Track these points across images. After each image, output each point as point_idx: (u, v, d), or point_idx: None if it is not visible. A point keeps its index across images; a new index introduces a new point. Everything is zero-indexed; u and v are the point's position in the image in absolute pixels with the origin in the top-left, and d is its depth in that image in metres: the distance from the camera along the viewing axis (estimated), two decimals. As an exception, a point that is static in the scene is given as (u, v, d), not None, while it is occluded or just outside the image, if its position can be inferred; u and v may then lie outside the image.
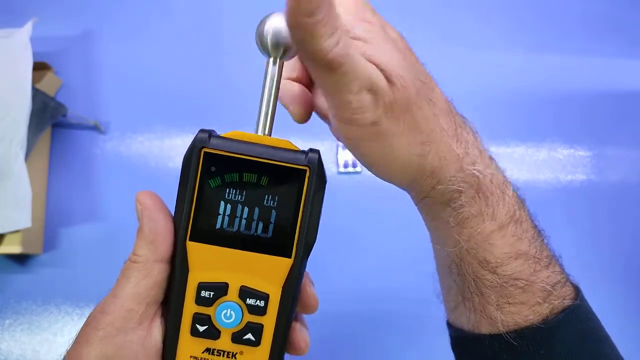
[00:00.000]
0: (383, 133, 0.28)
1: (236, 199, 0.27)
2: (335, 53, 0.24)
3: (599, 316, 0.63)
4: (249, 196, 0.27)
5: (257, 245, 0.27)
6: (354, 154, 0.31)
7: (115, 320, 0.26)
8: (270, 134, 0.28)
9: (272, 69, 0.28)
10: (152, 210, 0.27)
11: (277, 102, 0.29)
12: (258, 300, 0.28)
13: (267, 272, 0.28)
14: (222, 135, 0.27)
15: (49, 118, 0.71)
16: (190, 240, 0.27)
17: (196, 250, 0.27)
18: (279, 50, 0.27)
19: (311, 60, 0.25)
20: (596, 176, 0.73)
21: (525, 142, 0.75)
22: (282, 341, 0.29)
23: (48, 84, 0.76)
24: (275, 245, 0.27)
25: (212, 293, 0.28)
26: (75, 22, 0.83)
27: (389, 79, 0.27)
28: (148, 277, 0.27)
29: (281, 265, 0.28)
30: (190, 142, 0.27)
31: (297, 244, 0.27)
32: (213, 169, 0.27)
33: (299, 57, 0.30)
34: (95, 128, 0.76)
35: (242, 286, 0.28)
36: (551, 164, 0.74)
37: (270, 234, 0.27)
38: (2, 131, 0.63)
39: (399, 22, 0.81)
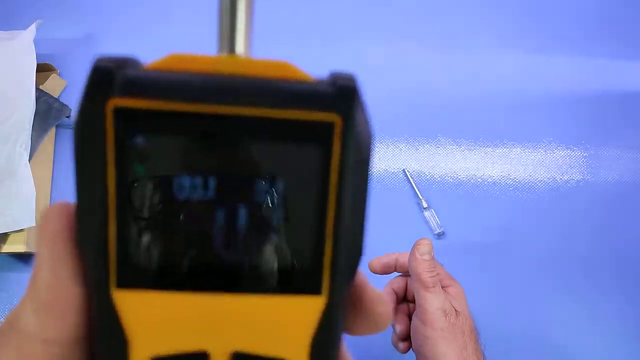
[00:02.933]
0: (443, 337, 0.46)
1: (199, 195, 0.14)
2: (431, 281, 0.48)
3: (590, 315, 0.64)
4: (224, 186, 0.14)
5: (253, 281, 0.15)
6: (417, 346, 0.48)
7: None
8: (248, 51, 0.15)
9: None
10: (60, 248, 0.15)
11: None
12: None
13: (279, 325, 0.15)
14: (150, 64, 0.14)
15: (53, 119, 0.71)
16: (119, 287, 0.14)
17: (135, 305, 0.14)
18: None
19: (417, 280, 0.48)
20: (592, 176, 0.73)
21: (522, 143, 0.75)
22: None
23: (52, 85, 0.76)
24: (288, 275, 0.15)
25: None
26: (79, 24, 0.84)
27: (457, 312, 0.48)
28: None
29: (306, 309, 0.15)
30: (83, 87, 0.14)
31: (331, 267, 0.15)
32: (139, 140, 0.13)
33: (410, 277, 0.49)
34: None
35: (235, 352, 0.15)
36: (547, 164, 0.74)
37: (275, 255, 0.15)
38: (6, 132, 0.64)
39: (395, 25, 0.81)
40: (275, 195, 0.14)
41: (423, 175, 0.74)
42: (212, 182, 0.14)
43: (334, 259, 0.14)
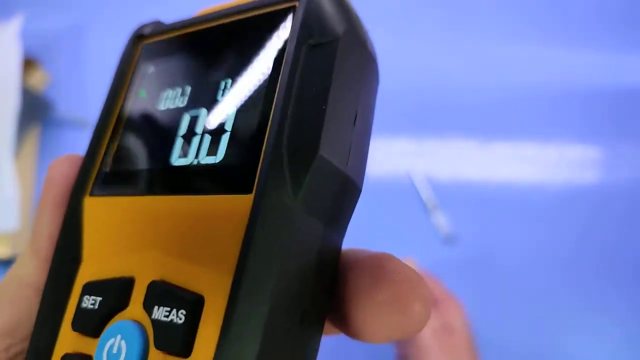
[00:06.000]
0: (432, 355, 0.46)
1: (175, 105, 0.15)
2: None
3: (609, 321, 0.63)
4: (195, 94, 0.14)
5: (190, 180, 0.14)
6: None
7: None
8: None
9: None
10: (53, 199, 0.15)
11: None
12: (174, 312, 0.12)
13: (204, 238, 0.12)
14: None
15: (37, 116, 0.70)
16: (91, 195, 0.14)
17: (96, 212, 0.14)
18: None
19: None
20: (610, 175, 0.72)
21: (536, 140, 0.73)
22: None
23: (36, 81, 0.75)
24: (224, 170, 0.13)
25: (101, 302, 0.13)
26: (64, 17, 0.82)
27: (451, 329, 0.47)
28: (13, 305, 0.16)
29: (231, 212, 0.12)
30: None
31: (263, 162, 0.12)
32: (151, 69, 0.16)
33: None
34: (84, 125, 0.75)
35: (152, 282, 0.13)
36: (562, 162, 0.72)
37: (221, 155, 0.13)
38: (-12, 129, 0.62)
39: (401, 16, 0.78)
40: (233, 94, 0.13)
41: (429, 175, 0.71)
42: (187, 91, 0.15)
43: (273, 149, 0.12)
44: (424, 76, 0.76)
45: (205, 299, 0.11)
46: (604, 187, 0.71)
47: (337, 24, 0.13)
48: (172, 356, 0.11)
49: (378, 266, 0.13)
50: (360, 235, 0.67)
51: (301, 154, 0.12)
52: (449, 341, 0.47)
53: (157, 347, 0.12)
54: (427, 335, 0.47)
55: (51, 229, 0.15)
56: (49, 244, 0.15)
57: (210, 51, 0.15)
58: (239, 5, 0.15)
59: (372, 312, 0.13)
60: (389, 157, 0.72)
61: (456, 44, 0.78)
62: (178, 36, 0.16)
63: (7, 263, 0.68)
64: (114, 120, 0.16)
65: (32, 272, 0.15)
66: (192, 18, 0.16)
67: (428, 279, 0.53)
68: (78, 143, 0.73)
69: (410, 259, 0.51)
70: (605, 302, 0.66)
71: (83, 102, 0.76)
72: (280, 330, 0.11)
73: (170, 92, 0.15)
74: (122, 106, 0.16)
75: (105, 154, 0.15)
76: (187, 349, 0.11)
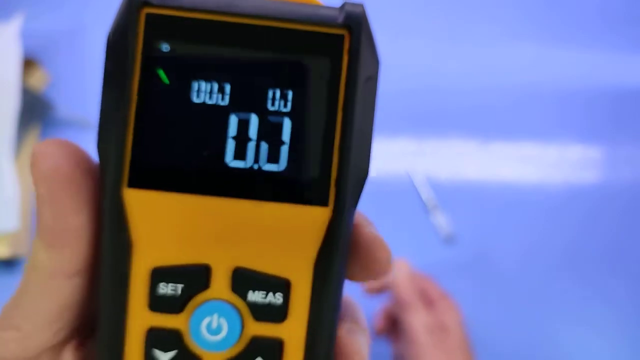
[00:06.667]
0: (427, 354, 0.46)
1: (214, 101, 0.15)
2: (409, 300, 0.50)
3: (608, 321, 0.63)
4: (238, 94, 0.15)
5: (261, 187, 0.15)
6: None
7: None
8: None
9: None
10: (56, 185, 0.15)
11: None
12: (270, 294, 0.15)
13: (283, 237, 0.15)
14: None
15: (37, 116, 0.70)
16: (130, 186, 0.15)
17: (143, 204, 0.15)
18: None
19: (397, 301, 0.52)
20: (610, 176, 0.72)
21: (535, 140, 0.74)
22: None
23: (36, 81, 0.74)
24: (296, 184, 0.15)
25: (180, 286, 0.15)
26: (64, 17, 0.82)
27: (444, 328, 0.48)
28: (49, 297, 0.17)
29: (311, 220, 0.15)
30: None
31: (337, 179, 0.15)
32: (165, 47, 0.15)
33: None
34: (84, 125, 0.75)
35: (236, 268, 0.15)
36: (562, 162, 0.73)
37: (284, 163, 0.15)
38: (-12, 129, 0.62)
39: (401, 17, 0.78)
40: (285, 105, 0.15)
41: (429, 175, 0.72)
42: (227, 89, 0.15)
43: (340, 170, 0.15)
44: (424, 77, 0.76)
45: (291, 281, 0.15)
46: (603, 187, 0.71)
47: (377, 58, 0.16)
48: (268, 323, 0.16)
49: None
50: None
51: (361, 175, 0.16)
52: (443, 340, 0.47)
53: (259, 319, 0.15)
54: (422, 334, 0.47)
55: (66, 221, 0.16)
56: (66, 234, 0.16)
57: (254, 52, 0.15)
58: (273, 3, 0.15)
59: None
60: (389, 157, 0.73)
61: (456, 44, 0.78)
62: (205, 20, 0.15)
63: (7, 263, 0.68)
64: (133, 104, 0.15)
65: (53, 262, 0.16)
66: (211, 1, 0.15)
67: (423, 278, 0.53)
68: (77, 141, 0.73)
69: (404, 260, 0.51)
70: (604, 302, 0.66)
71: (83, 102, 0.76)
72: (340, 297, 0.16)
73: (203, 85, 0.15)
74: (141, 88, 0.15)
75: (134, 143, 0.15)
76: (285, 317, 0.15)
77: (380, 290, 0.56)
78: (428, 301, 0.51)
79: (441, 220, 0.68)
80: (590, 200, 0.71)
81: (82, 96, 0.77)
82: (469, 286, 0.66)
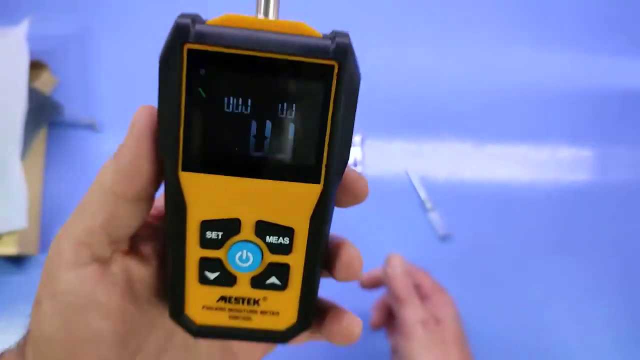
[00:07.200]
0: (422, 347, 0.47)
1: (240, 110, 0.21)
2: (404, 294, 0.50)
3: (599, 317, 0.63)
4: (257, 106, 0.21)
5: (274, 171, 0.22)
6: (400, 357, 0.50)
7: (63, 251, 0.23)
8: (276, 16, 0.22)
9: None
10: (142, 136, 0.22)
11: None
12: (281, 237, 0.23)
13: (290, 203, 0.23)
14: (212, 21, 0.21)
15: (45, 117, 0.70)
16: (183, 170, 0.22)
17: (193, 183, 0.22)
18: None
19: (392, 296, 0.52)
20: (599, 176, 0.73)
21: (529, 141, 0.74)
22: (314, 281, 0.25)
23: (44, 83, 0.75)
24: (298, 168, 0.22)
25: (220, 233, 0.23)
26: (71, 20, 0.83)
27: (437, 321, 0.49)
28: (110, 214, 0.22)
29: (308, 193, 0.23)
30: (167, 36, 0.21)
31: (326, 165, 0.22)
32: (203, 71, 0.21)
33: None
34: (91, 127, 0.76)
35: (258, 221, 0.23)
36: (555, 163, 0.73)
37: (290, 154, 0.22)
38: (-3, 130, 0.63)
39: (395, 20, 0.79)
40: (291, 114, 0.21)
41: (426, 175, 0.73)
42: (249, 102, 0.21)
43: (329, 159, 0.22)
44: (420, 80, 0.77)
45: (295, 229, 0.23)
46: (593, 187, 0.72)
47: (358, 76, 0.21)
48: (280, 255, 0.24)
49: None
50: (359, 233, 0.68)
51: (342, 164, 0.22)
52: (439, 334, 0.48)
53: (274, 253, 0.24)
54: (418, 328, 0.48)
55: (136, 151, 0.22)
56: (134, 161, 0.22)
57: (268, 76, 0.21)
58: (282, 37, 0.20)
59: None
60: (388, 157, 0.74)
61: (450, 48, 0.79)
62: (230, 53, 0.20)
63: (15, 260, 0.70)
64: (182, 113, 0.21)
65: (113, 180, 0.22)
66: (228, 29, 0.20)
67: (418, 272, 0.54)
68: (85, 144, 0.74)
69: (399, 255, 0.52)
70: (595, 297, 0.67)
71: (90, 104, 0.77)
72: (326, 238, 0.24)
73: (232, 99, 0.21)
74: (187, 100, 0.21)
75: (184, 141, 0.21)
76: (290, 250, 0.24)
77: (376, 285, 0.57)
78: (423, 295, 0.52)
79: (437, 218, 0.69)
80: (581, 199, 0.72)
81: (88, 98, 0.78)
82: (464, 281, 0.66)
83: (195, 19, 0.21)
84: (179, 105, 0.21)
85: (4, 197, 0.63)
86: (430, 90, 0.77)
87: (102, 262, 0.23)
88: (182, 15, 0.21)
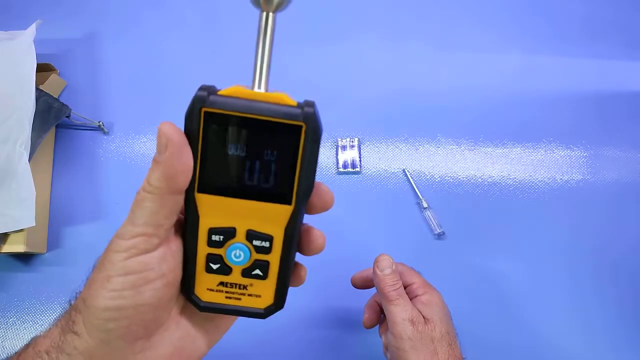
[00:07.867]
0: (412, 346, 0.48)
1: (238, 153, 0.29)
2: (394, 294, 0.51)
3: (591, 317, 0.62)
4: (251, 151, 0.29)
5: (260, 195, 0.30)
6: (392, 358, 0.51)
7: (135, 244, 0.29)
8: (266, 88, 0.29)
9: (265, 23, 0.29)
10: (178, 147, 0.28)
11: (271, 56, 0.30)
12: (263, 242, 0.32)
13: (270, 217, 0.31)
14: (221, 92, 0.29)
15: (53, 119, 0.71)
16: (198, 192, 0.30)
17: (205, 201, 0.30)
18: (272, 3, 0.28)
19: (381, 295, 0.52)
20: (592, 176, 0.73)
21: (522, 142, 0.75)
22: (286, 274, 0.33)
23: (52, 85, 0.77)
24: (276, 194, 0.30)
25: (222, 237, 0.31)
26: (79, 24, 0.84)
27: (426, 320, 0.50)
28: (164, 207, 0.29)
29: (283, 211, 0.31)
30: (190, 102, 0.28)
31: (296, 193, 0.30)
32: (214, 126, 0.28)
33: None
34: (98, 129, 0.77)
35: (248, 230, 0.31)
36: (548, 164, 0.74)
37: (271, 184, 0.30)
38: (6, 132, 0.64)
39: (394, 25, 0.80)
40: (273, 157, 0.29)
41: (423, 175, 0.74)
42: (244, 148, 0.29)
43: (298, 188, 0.30)
44: (418, 83, 0.79)
45: (273, 236, 0.31)
46: (587, 186, 0.73)
47: (320, 130, 0.29)
48: (262, 254, 0.32)
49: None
50: (359, 231, 0.69)
51: (308, 190, 0.30)
52: (427, 332, 0.49)
53: (258, 252, 0.32)
54: (406, 326, 0.48)
55: (181, 156, 0.28)
56: (178, 172, 0.28)
57: (257, 131, 0.28)
58: (267, 105, 0.28)
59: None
60: (388, 158, 0.75)
61: (448, 52, 0.80)
62: (233, 116, 0.28)
63: (22, 256, 0.71)
64: (199, 153, 0.29)
65: (165, 185, 0.28)
66: (232, 99, 0.28)
67: (407, 271, 0.54)
68: (91, 145, 0.76)
69: (387, 255, 0.53)
70: (588, 294, 0.68)
71: (97, 106, 0.79)
72: (296, 242, 0.32)
73: (233, 145, 0.29)
74: (203, 145, 0.29)
75: (200, 171, 0.29)
76: (270, 251, 0.32)
77: (367, 285, 0.58)
78: (413, 294, 0.53)
79: (433, 216, 0.70)
80: (575, 197, 0.73)
81: (95, 101, 0.79)
82: (457, 278, 0.68)
83: (210, 90, 0.28)
84: (197, 147, 0.29)
85: (13, 196, 0.64)
86: (427, 92, 0.78)
87: (164, 246, 0.30)
88: (202, 88, 0.28)
